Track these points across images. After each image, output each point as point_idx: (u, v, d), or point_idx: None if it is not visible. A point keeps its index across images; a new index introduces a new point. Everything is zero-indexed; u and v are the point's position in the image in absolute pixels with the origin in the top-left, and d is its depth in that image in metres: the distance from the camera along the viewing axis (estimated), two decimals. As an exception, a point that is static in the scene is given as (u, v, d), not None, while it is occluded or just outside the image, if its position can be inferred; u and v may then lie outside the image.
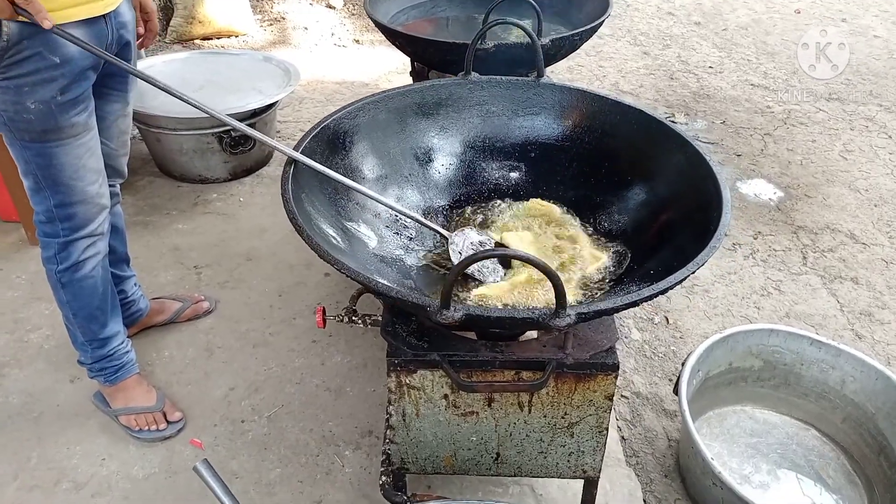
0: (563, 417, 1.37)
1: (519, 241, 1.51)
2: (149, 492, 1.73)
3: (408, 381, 1.33)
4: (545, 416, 1.37)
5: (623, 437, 1.96)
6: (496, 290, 1.39)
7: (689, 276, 1.12)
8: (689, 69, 4.45)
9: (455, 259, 1.47)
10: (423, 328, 1.34)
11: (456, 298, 1.22)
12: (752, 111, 3.91)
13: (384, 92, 1.62)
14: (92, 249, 1.67)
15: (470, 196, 1.68)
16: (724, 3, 5.63)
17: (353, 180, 1.48)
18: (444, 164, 1.69)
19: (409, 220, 1.53)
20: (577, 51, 2.31)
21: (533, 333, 1.38)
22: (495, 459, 1.45)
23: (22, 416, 1.92)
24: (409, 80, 2.63)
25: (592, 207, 1.61)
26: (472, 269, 1.45)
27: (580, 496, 1.58)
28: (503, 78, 1.69)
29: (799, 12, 5.46)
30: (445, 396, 1.35)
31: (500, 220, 1.61)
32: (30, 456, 1.81)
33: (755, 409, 2.00)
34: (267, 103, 2.84)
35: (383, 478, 1.49)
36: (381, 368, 2.04)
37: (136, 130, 2.98)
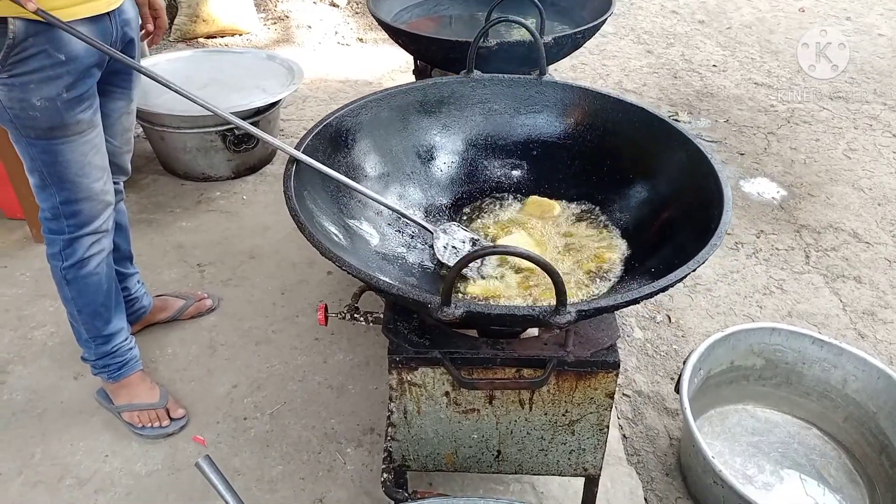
0: (564, 415, 1.37)
1: (518, 242, 1.51)
2: (152, 488, 1.74)
3: (409, 379, 1.34)
4: (546, 414, 1.38)
5: (624, 436, 1.96)
6: (482, 290, 1.39)
7: (689, 273, 1.12)
8: (693, 68, 4.45)
9: (439, 254, 1.47)
10: (425, 326, 1.34)
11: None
12: (756, 110, 3.90)
13: (386, 90, 1.63)
14: (97, 246, 1.68)
15: (472, 194, 1.69)
16: (728, 1, 5.62)
17: (356, 178, 1.48)
18: (446, 161, 1.69)
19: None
20: (581, 49, 2.31)
21: (534, 331, 1.38)
22: (496, 457, 1.45)
23: (26, 412, 1.93)
24: (412, 79, 2.63)
25: (594, 205, 1.61)
26: (445, 256, 1.46)
27: (581, 494, 1.58)
28: (505, 76, 1.70)
29: (803, 11, 5.44)
30: (447, 394, 1.35)
31: (501, 217, 1.61)
32: (34, 452, 1.82)
33: (757, 407, 2.00)
34: (270, 101, 2.84)
35: (385, 475, 1.49)
36: (383, 366, 2.03)
37: (140, 128, 2.99)
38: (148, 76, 1.46)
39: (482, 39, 1.72)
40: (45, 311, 2.26)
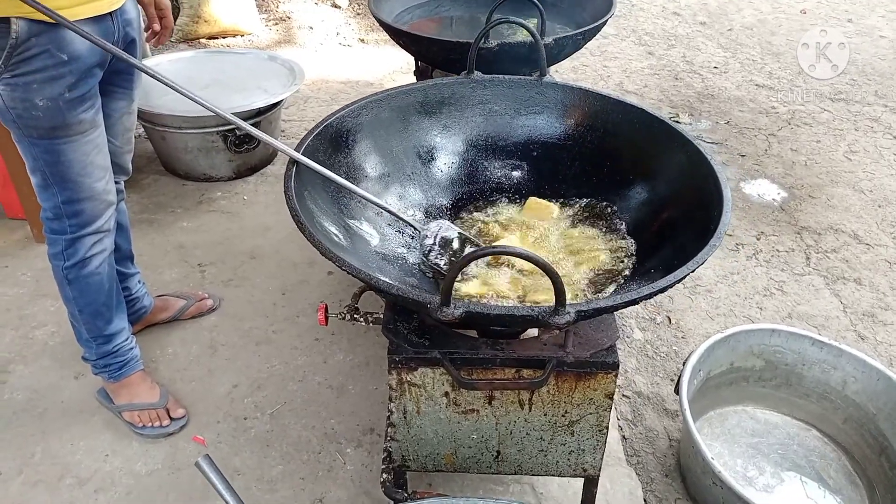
0: (563, 416, 1.38)
1: (516, 243, 1.51)
2: (152, 488, 1.74)
3: (409, 379, 1.34)
4: (545, 415, 1.38)
5: (624, 437, 1.96)
6: (476, 289, 1.39)
7: (689, 274, 1.12)
8: (694, 69, 4.45)
9: (427, 254, 1.47)
10: (425, 326, 1.34)
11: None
12: (757, 111, 3.90)
13: (387, 90, 1.63)
14: (98, 246, 1.69)
15: (472, 195, 1.69)
16: (729, 3, 5.62)
17: (356, 179, 1.49)
18: (446, 162, 1.69)
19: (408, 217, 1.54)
20: (582, 50, 2.31)
21: (534, 331, 1.38)
22: (496, 457, 1.46)
23: (27, 412, 1.93)
24: (414, 80, 2.64)
25: (594, 206, 1.61)
26: (433, 256, 1.46)
27: (580, 495, 1.58)
28: (506, 77, 1.70)
29: (805, 13, 5.44)
30: (446, 394, 1.36)
31: (501, 217, 1.62)
32: (34, 451, 1.82)
33: (756, 409, 2.00)
34: (272, 102, 2.85)
35: (384, 475, 1.49)
36: (383, 366, 2.04)
37: (141, 128, 2.99)
38: (151, 76, 1.46)
39: (483, 40, 1.72)
40: (46, 311, 2.27)
